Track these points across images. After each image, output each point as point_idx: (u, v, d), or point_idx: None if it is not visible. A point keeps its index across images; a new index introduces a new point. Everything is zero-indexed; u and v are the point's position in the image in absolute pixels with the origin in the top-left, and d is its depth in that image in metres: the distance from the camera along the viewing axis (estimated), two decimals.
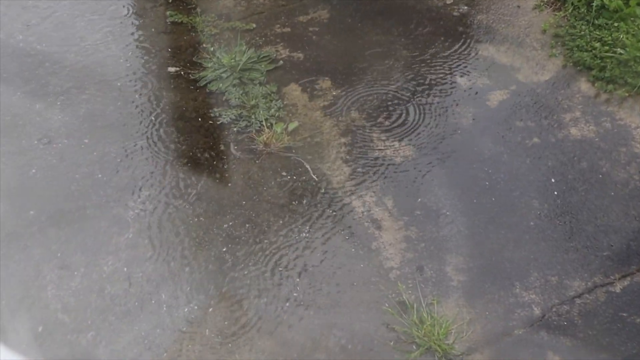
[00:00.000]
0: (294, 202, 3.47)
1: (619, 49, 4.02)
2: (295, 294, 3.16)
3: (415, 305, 3.09)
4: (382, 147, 3.68)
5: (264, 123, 3.74)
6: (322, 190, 3.51)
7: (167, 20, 4.38)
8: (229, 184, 3.55)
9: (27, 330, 3.12)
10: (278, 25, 4.36)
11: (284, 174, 3.59)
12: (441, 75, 4.04)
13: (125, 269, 3.28)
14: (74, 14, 4.48)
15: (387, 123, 3.80)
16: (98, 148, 3.74)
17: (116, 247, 3.37)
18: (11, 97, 4.00)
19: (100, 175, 3.62)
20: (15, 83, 4.08)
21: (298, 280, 3.20)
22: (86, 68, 4.14)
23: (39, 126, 3.86)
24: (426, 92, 3.95)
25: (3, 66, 4.17)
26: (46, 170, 3.67)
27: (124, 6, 4.52)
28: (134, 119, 3.84)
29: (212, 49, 4.17)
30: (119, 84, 4.03)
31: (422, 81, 4.01)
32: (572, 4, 4.35)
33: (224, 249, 3.31)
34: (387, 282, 3.20)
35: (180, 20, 4.36)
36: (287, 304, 3.13)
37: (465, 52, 4.17)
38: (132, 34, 4.34)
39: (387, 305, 3.11)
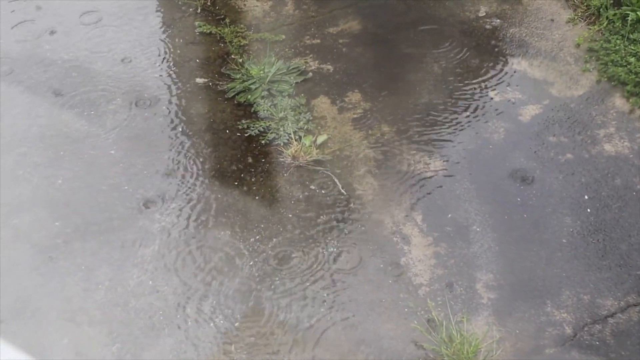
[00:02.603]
0: (322, 217, 3.49)
1: None
2: (322, 310, 3.18)
3: (444, 323, 3.10)
4: (412, 162, 3.70)
5: (292, 136, 3.77)
6: (351, 205, 3.53)
7: (196, 31, 4.42)
8: (257, 197, 3.58)
9: (52, 342, 3.16)
10: (308, 37, 4.39)
11: (312, 187, 3.62)
12: (473, 88, 4.05)
13: (150, 282, 3.32)
14: (103, 24, 4.52)
15: (417, 137, 3.81)
16: (125, 160, 3.78)
17: (142, 259, 3.41)
18: (38, 107, 4.05)
19: (126, 187, 3.67)
20: (43, 93, 4.14)
21: (326, 296, 3.22)
22: (114, 78, 4.19)
23: (65, 136, 3.92)
24: (457, 105, 3.96)
25: (30, 75, 4.23)
26: (72, 181, 3.72)
27: (152, 17, 4.57)
28: (161, 131, 3.88)
29: (240, 60, 4.20)
30: (146, 94, 4.08)
31: (453, 94, 4.03)
32: (607, 18, 4.35)
33: (251, 263, 3.34)
34: (416, 298, 3.22)
35: (208, 31, 4.40)
36: (315, 320, 3.15)
37: (498, 66, 4.18)
38: (161, 44, 4.38)
39: (415, 322, 3.13)
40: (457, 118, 3.90)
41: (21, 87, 4.19)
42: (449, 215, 3.49)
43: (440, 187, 3.61)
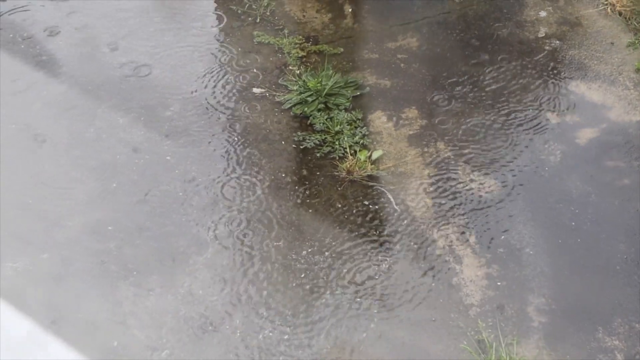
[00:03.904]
0: (375, 233, 3.53)
1: None
2: (372, 326, 3.22)
3: (494, 345, 3.13)
4: (467, 181, 3.73)
5: (347, 150, 3.81)
6: (404, 222, 3.57)
7: (254, 41, 4.48)
8: (310, 210, 3.62)
9: (101, 344, 3.23)
10: (366, 51, 4.43)
11: (365, 202, 3.66)
12: (530, 109, 4.08)
13: (200, 291, 3.37)
14: (161, 30, 4.59)
15: (473, 156, 3.84)
16: (180, 166, 3.84)
17: (193, 267, 3.47)
18: (95, 110, 4.13)
19: (181, 194, 3.73)
20: (100, 96, 4.22)
21: (376, 312, 3.26)
22: (171, 84, 4.25)
23: (122, 141, 3.99)
24: (513, 126, 3.98)
25: (88, 79, 4.30)
26: (127, 185, 3.79)
27: (210, 24, 4.63)
28: (217, 139, 3.95)
29: (298, 71, 4.25)
30: (203, 102, 4.14)
31: (509, 114, 4.05)
32: None
33: (302, 275, 3.38)
34: (466, 319, 3.25)
35: (267, 41, 4.46)
36: (365, 335, 3.20)
37: (556, 88, 4.20)
38: (219, 52, 4.44)
39: (465, 342, 3.16)
40: (513, 139, 3.92)
41: (78, 88, 4.26)
42: (502, 237, 3.51)
43: (494, 207, 3.64)
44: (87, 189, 3.77)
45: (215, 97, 4.18)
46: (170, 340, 3.21)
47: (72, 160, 3.89)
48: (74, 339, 3.22)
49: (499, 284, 3.36)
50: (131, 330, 3.23)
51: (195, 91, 4.20)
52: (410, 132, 3.98)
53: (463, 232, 3.53)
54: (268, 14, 4.69)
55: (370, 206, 3.64)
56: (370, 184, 3.73)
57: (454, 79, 4.27)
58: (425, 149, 3.89)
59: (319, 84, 4.13)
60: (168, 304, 3.31)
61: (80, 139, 4.00)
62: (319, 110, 4.07)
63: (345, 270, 3.39)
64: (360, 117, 4.04)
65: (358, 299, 3.30)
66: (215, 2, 4.80)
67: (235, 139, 3.95)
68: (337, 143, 3.89)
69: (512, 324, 3.23)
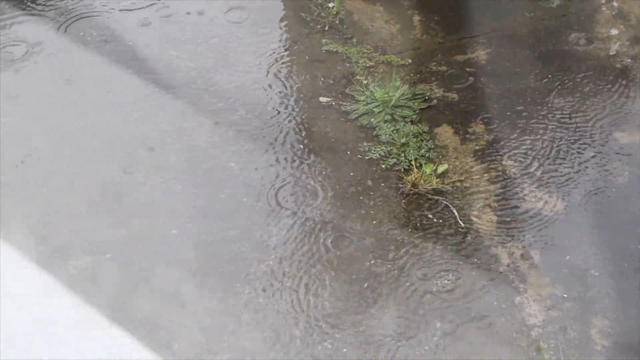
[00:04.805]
0: (438, 247, 3.54)
1: None
2: (435, 338, 3.23)
3: None
4: (533, 199, 3.72)
5: (413, 163, 3.82)
6: (468, 238, 3.57)
7: (322, 49, 4.51)
8: (374, 222, 3.65)
9: (161, 346, 3.27)
10: (434, 63, 4.44)
11: (430, 216, 3.67)
12: (598, 128, 4.06)
13: (260, 300, 3.40)
14: (229, 34, 4.65)
15: (539, 174, 3.83)
16: (244, 172, 3.89)
17: (255, 275, 3.50)
18: (160, 113, 4.19)
19: (245, 199, 3.77)
20: (166, 99, 4.28)
21: (439, 324, 3.28)
22: (237, 89, 4.30)
23: (186, 144, 4.04)
24: (581, 144, 3.97)
25: (154, 81, 4.36)
26: (191, 187, 3.84)
27: (278, 31, 4.67)
28: (282, 146, 3.98)
29: (365, 81, 4.27)
30: (269, 108, 4.18)
31: (577, 132, 4.03)
32: None
33: (365, 285, 3.41)
34: (528, 339, 3.25)
35: (335, 50, 4.49)
36: (427, 348, 3.20)
37: (626, 107, 4.18)
38: (286, 59, 4.48)
39: None
40: (580, 157, 3.91)
41: (146, 90, 4.32)
42: (567, 257, 3.51)
43: (560, 227, 3.63)
44: (151, 190, 3.81)
45: (281, 104, 4.22)
46: (232, 344, 3.24)
47: (133, 163, 3.93)
48: (133, 339, 3.27)
49: (562, 304, 3.35)
50: (192, 333, 3.27)
51: (263, 97, 4.23)
52: (477, 147, 3.99)
53: (527, 251, 3.53)
54: (337, 22, 4.72)
55: (434, 220, 3.66)
56: (435, 197, 3.74)
57: (522, 95, 4.26)
58: (491, 165, 3.89)
59: (386, 95, 4.15)
60: (230, 308, 3.34)
61: (146, 139, 4.04)
62: (385, 121, 4.09)
63: (408, 284, 3.41)
64: (426, 130, 4.05)
65: (420, 312, 3.31)
66: (283, 8, 4.83)
67: (301, 146, 3.99)
68: (402, 155, 3.90)
69: (575, 346, 3.22)
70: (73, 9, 4.87)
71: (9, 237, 3.62)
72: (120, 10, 4.87)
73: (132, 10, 4.87)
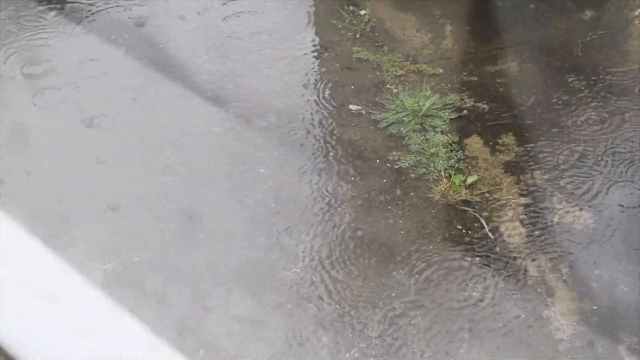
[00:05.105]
0: (467, 258, 3.55)
1: None
2: (462, 350, 3.23)
3: None
4: (563, 212, 3.72)
5: (442, 173, 3.83)
6: (497, 249, 3.57)
7: (353, 57, 4.52)
8: (402, 231, 3.65)
9: (189, 352, 3.29)
10: (465, 73, 4.45)
11: (458, 227, 3.67)
12: (629, 144, 4.04)
13: (289, 305, 3.41)
14: (260, 39, 4.67)
15: (569, 187, 3.83)
16: (273, 178, 3.90)
17: (281, 282, 3.51)
18: (190, 117, 4.21)
19: (273, 205, 3.78)
20: (195, 102, 4.30)
21: (467, 336, 3.27)
22: (267, 95, 4.32)
23: (216, 149, 4.06)
24: (614, 158, 3.96)
25: (185, 83, 4.39)
26: (219, 191, 3.86)
27: (310, 37, 4.69)
28: (312, 153, 4.00)
29: (396, 90, 4.28)
30: (299, 115, 4.20)
31: (608, 148, 4.02)
32: None
33: (393, 294, 3.41)
34: (555, 353, 3.24)
35: (366, 58, 4.50)
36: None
37: None
38: (316, 66, 4.50)
39: None
40: (612, 171, 3.90)
41: (176, 93, 4.35)
42: (596, 272, 3.50)
43: (590, 241, 3.62)
44: (180, 193, 3.83)
45: (310, 111, 4.24)
46: (260, 350, 3.26)
47: (165, 166, 3.95)
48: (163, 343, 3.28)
49: (590, 319, 3.34)
50: (219, 339, 3.28)
51: (293, 104, 4.24)
52: (507, 159, 3.98)
53: (556, 264, 3.53)
54: (368, 30, 4.73)
55: (463, 231, 3.66)
56: (464, 208, 3.74)
57: (553, 107, 4.26)
58: (521, 177, 3.89)
59: (416, 104, 4.16)
60: (258, 315, 3.35)
61: (177, 142, 4.06)
62: (415, 131, 4.10)
63: (436, 294, 3.41)
64: (456, 141, 4.05)
65: (448, 322, 3.31)
66: (315, 15, 4.85)
67: (330, 154, 4.00)
68: (432, 165, 3.91)
69: None
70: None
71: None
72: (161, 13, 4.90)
73: (167, 12, 4.90)
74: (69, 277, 2.71)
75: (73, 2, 4.95)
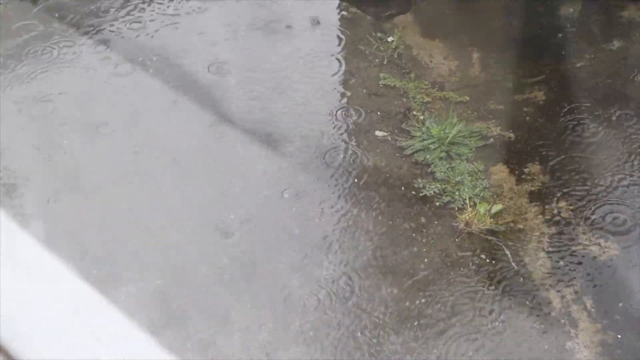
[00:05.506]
0: (490, 287, 3.55)
1: None
2: None
3: None
4: (587, 243, 3.72)
5: (467, 201, 3.84)
6: (520, 280, 3.58)
7: (380, 83, 4.55)
8: (426, 259, 3.66)
9: None
10: (492, 101, 4.46)
11: (482, 256, 3.68)
12: None
13: (311, 332, 3.43)
14: (287, 66, 4.70)
15: (595, 217, 3.83)
16: (297, 203, 3.93)
17: (304, 308, 3.52)
18: (217, 140, 4.25)
19: (297, 232, 3.81)
20: (223, 127, 4.33)
21: None
22: (294, 120, 4.35)
23: (241, 172, 4.09)
24: (638, 190, 3.95)
25: (214, 108, 4.42)
26: (243, 217, 3.89)
27: (337, 63, 4.72)
28: (336, 178, 4.03)
29: (422, 117, 4.30)
30: (325, 140, 4.22)
31: (635, 179, 4.02)
32: None
33: (416, 323, 3.42)
34: None
35: (392, 84, 4.52)
36: None
37: None
38: (343, 91, 4.53)
39: None
40: (636, 203, 3.89)
41: (205, 117, 4.39)
42: (620, 304, 3.50)
43: (614, 272, 3.62)
44: (204, 219, 3.86)
45: (337, 137, 4.26)
46: None
47: (194, 190, 3.99)
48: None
49: (614, 351, 3.34)
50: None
51: (319, 129, 4.27)
52: (532, 188, 3.99)
53: (580, 295, 3.53)
54: (395, 56, 4.76)
55: (487, 260, 3.66)
56: (489, 238, 3.74)
57: (580, 137, 4.26)
58: (547, 207, 3.90)
59: (442, 132, 4.17)
60: (279, 341, 3.37)
61: (199, 165, 4.10)
62: (440, 158, 4.11)
63: (458, 324, 3.41)
64: (481, 169, 4.06)
65: (470, 353, 3.32)
66: (343, 41, 4.88)
67: (355, 180, 4.02)
68: (457, 193, 3.92)
69: None
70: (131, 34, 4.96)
71: None
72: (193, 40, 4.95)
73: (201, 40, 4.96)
74: (67, 277, 2.75)
75: None
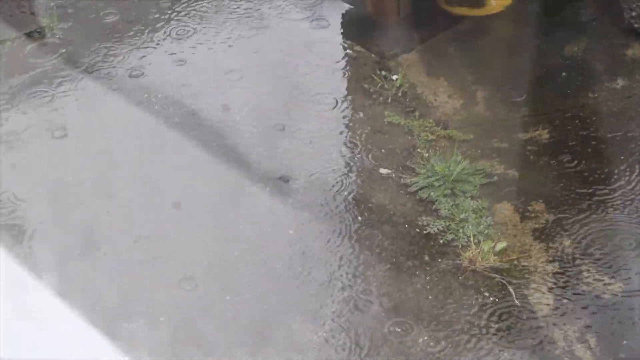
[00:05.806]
0: (493, 326, 3.54)
1: None
2: None
3: None
4: (591, 280, 3.71)
5: (471, 239, 3.84)
6: (524, 318, 3.57)
7: (384, 120, 4.57)
8: (429, 297, 3.66)
9: None
10: (496, 140, 4.47)
11: (486, 294, 3.68)
12: None
13: None
14: (292, 101, 4.72)
15: (599, 255, 3.83)
16: (301, 241, 3.94)
17: (307, 345, 3.52)
18: (221, 177, 4.27)
19: (300, 269, 3.81)
20: (226, 165, 4.35)
21: None
22: (298, 158, 4.37)
23: (244, 209, 4.11)
24: None
25: (217, 144, 4.44)
26: (247, 253, 3.90)
27: (342, 100, 4.74)
28: (340, 216, 4.04)
29: (426, 155, 4.31)
30: (329, 178, 4.24)
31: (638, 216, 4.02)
32: None
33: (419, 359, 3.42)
34: None
35: (397, 122, 4.54)
36: None
37: None
38: (348, 128, 4.55)
39: None
40: None
41: (207, 154, 4.41)
42: (624, 342, 3.49)
43: (618, 311, 3.61)
44: (209, 253, 3.87)
45: (341, 174, 4.27)
46: None
47: (198, 226, 4.01)
48: None
49: None
50: None
51: (323, 166, 4.28)
52: (536, 226, 3.99)
53: (584, 334, 3.52)
54: (400, 95, 4.78)
55: (491, 298, 3.66)
56: (492, 275, 3.74)
57: (584, 176, 4.26)
58: (550, 245, 3.90)
59: (446, 169, 4.18)
60: None
61: (206, 203, 4.12)
62: (445, 195, 4.12)
63: None
64: (485, 206, 4.07)
65: None
66: (347, 79, 4.91)
67: (359, 218, 4.03)
68: (461, 231, 3.92)
69: None
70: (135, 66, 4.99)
71: None
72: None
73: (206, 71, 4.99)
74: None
75: None
